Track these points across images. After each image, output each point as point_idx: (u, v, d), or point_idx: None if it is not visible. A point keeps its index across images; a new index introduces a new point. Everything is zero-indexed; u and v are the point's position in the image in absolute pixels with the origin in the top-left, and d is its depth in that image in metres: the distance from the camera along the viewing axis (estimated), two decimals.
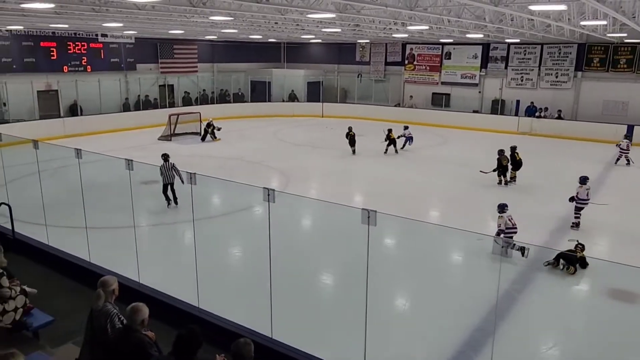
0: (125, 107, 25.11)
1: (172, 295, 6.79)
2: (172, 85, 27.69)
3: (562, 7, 11.94)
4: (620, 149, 17.72)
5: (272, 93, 30.21)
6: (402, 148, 19.24)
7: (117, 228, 10.15)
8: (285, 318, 6.21)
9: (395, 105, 29.37)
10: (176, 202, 11.88)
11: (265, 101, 29.24)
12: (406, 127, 19.93)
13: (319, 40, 30.29)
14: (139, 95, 25.65)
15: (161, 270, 8.26)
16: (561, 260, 8.68)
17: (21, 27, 20.25)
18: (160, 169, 11.94)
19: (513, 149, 14.66)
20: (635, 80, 23.15)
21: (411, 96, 29.02)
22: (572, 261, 8.62)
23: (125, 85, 25.68)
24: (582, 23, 14.78)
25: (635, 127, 21.19)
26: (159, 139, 21.12)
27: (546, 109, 24.33)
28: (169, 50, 27.49)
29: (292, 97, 30.46)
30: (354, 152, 18.34)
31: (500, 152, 14.43)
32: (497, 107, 26.27)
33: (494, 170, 14.34)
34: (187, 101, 27.76)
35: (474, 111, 26.73)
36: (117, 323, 4.44)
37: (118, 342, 4.27)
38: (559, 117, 23.91)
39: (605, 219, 11.83)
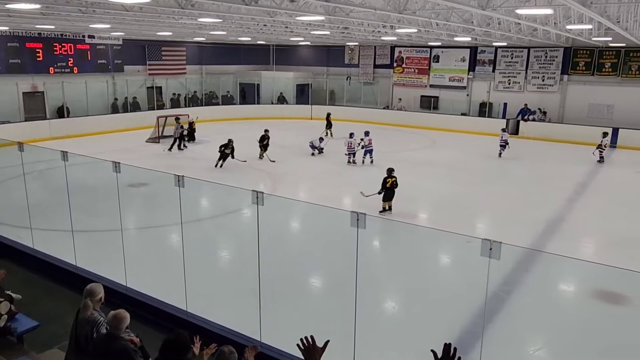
0: (114, 109, 24.92)
1: (159, 298, 6.73)
2: (160, 87, 27.55)
3: (549, 11, 12.09)
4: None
5: (261, 95, 30.20)
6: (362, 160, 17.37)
7: (104, 231, 10.03)
8: (274, 321, 6.18)
9: (384, 108, 29.49)
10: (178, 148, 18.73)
11: (254, 103, 29.21)
12: (367, 133, 17.40)
13: (308, 43, 30.31)
14: (126, 97, 25.47)
15: (149, 274, 8.18)
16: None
17: (6, 28, 20.01)
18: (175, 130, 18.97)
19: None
20: (619, 83, 23.47)
21: (400, 99, 29.14)
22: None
23: (113, 87, 25.49)
24: (568, 27, 14.94)
25: (620, 130, 21.52)
26: (146, 141, 20.99)
27: (535, 112, 24.62)
28: (157, 52, 27.33)
29: (281, 100, 30.46)
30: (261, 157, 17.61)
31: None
32: (485, 110, 26.47)
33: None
34: (175, 103, 27.63)
35: (462, 114, 26.90)
36: (103, 331, 4.37)
37: (102, 350, 4.19)
38: (542, 119, 24.22)
39: (590, 220, 11.99)
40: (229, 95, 30.51)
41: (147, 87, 26.88)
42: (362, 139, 17.32)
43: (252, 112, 27.91)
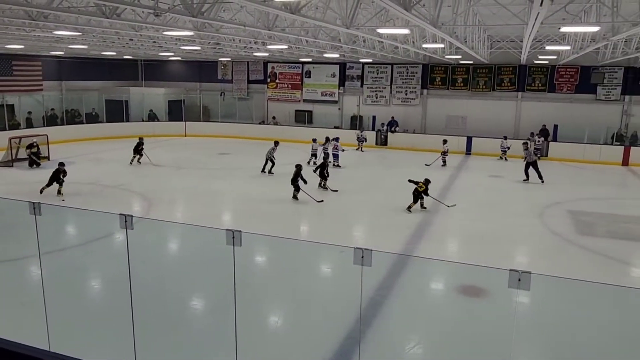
0: None
1: (15, 341, 6.02)
2: (12, 105, 24.92)
3: (406, 31, 13.11)
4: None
5: (130, 113, 28.68)
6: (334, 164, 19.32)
7: None
8: (152, 351, 5.85)
9: (259, 123, 29.66)
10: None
11: (122, 121, 27.63)
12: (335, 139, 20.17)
13: (179, 58, 29.54)
14: None
15: (2, 314, 7.31)
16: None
17: None
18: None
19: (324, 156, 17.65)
20: (470, 97, 26.12)
21: (274, 117, 29.62)
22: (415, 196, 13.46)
23: None
24: (424, 46, 16.32)
25: (473, 138, 23.88)
26: None
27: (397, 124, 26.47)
28: (6, 67, 24.79)
29: (152, 117, 29.21)
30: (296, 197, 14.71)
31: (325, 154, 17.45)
32: (356, 122, 27.80)
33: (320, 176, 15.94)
34: (31, 123, 25.14)
35: (335, 127, 27.96)
36: None
37: None
38: (394, 131, 26.03)
39: (453, 222, 13.08)
40: (94, 113, 28.52)
41: None
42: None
43: (121, 131, 26.41)
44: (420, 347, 7.28)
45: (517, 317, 6.17)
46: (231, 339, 5.17)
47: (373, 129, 26.71)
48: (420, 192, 13.55)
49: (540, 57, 21.69)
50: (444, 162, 20.58)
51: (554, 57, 21.47)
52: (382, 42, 16.70)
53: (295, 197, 14.43)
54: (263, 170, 17.98)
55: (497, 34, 19.58)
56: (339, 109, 28.81)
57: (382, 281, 8.65)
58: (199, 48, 20.13)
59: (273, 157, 17.99)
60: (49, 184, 14.03)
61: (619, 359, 6.90)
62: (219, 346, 6.39)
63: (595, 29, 11.88)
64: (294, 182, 14.37)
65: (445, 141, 20.93)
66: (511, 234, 12.13)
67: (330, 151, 19.60)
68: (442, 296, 9.22)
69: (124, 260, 5.50)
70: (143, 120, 28.69)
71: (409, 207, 13.52)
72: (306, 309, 8.16)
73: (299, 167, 14.63)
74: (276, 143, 18.41)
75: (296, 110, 29.57)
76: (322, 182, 15.80)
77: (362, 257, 4.30)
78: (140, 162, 19.18)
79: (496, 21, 14.01)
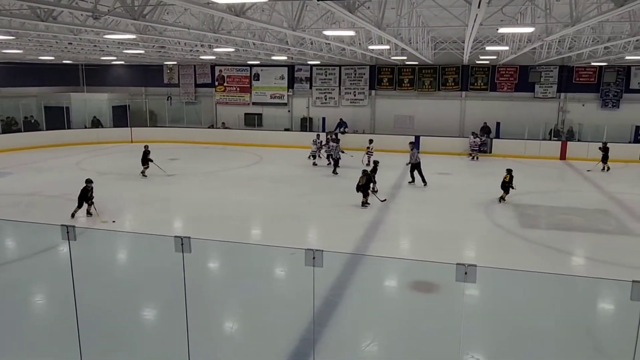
0: None
1: None
2: None
3: (352, 33, 13.29)
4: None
5: (72, 119, 27.59)
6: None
7: None
8: None
9: (208, 127, 29.27)
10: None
11: (64, 128, 26.53)
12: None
13: (122, 62, 28.72)
14: None
15: None
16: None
17: None
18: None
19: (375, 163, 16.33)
20: (417, 97, 26.74)
21: (223, 122, 29.36)
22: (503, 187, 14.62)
23: None
24: (370, 47, 16.58)
25: (421, 137, 24.42)
26: None
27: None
28: None
29: (96, 123, 28.23)
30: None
31: (375, 162, 16.23)
32: (306, 124, 27.89)
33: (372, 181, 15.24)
34: None
35: (285, 129, 27.95)
36: None
37: None
38: (344, 132, 26.24)
39: (404, 220, 13.34)
40: (32, 121, 27.25)
41: None
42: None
43: (62, 138, 25.39)
44: (375, 345, 7.37)
45: (466, 309, 6.35)
46: (184, 348, 5.07)
47: (323, 130, 26.85)
48: (506, 183, 14.48)
49: (481, 57, 22.47)
50: (368, 161, 20.24)
51: (494, 57, 22.30)
52: (329, 44, 16.83)
53: (365, 203, 13.98)
54: (335, 172, 18.73)
55: (440, 35, 20.15)
56: (289, 111, 28.82)
57: (335, 281, 8.70)
58: (142, 52, 19.63)
59: (338, 155, 18.57)
60: (79, 206, 12.64)
61: (564, 343, 7.24)
62: (172, 356, 6.24)
63: (530, 29, 12.43)
64: (365, 188, 13.91)
65: (371, 141, 21.22)
66: (459, 229, 12.48)
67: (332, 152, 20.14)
68: (395, 293, 9.37)
69: (68, 273, 5.29)
70: (86, 127, 27.71)
71: (502, 198, 14.59)
72: (260, 312, 8.09)
73: (366, 173, 14.12)
74: (335, 140, 18.85)
75: (245, 114, 29.36)
76: (373, 187, 15.02)
77: (314, 258, 4.32)
78: (146, 176, 17.66)
79: (438, 23, 14.43)
